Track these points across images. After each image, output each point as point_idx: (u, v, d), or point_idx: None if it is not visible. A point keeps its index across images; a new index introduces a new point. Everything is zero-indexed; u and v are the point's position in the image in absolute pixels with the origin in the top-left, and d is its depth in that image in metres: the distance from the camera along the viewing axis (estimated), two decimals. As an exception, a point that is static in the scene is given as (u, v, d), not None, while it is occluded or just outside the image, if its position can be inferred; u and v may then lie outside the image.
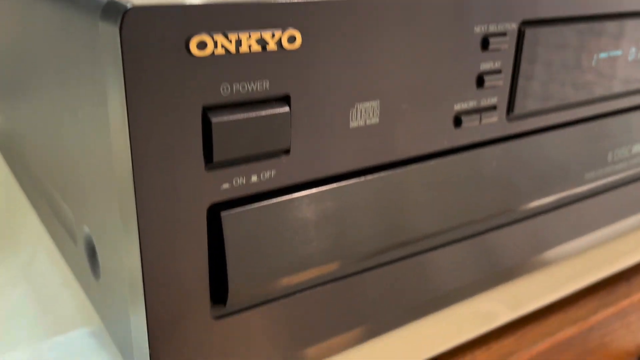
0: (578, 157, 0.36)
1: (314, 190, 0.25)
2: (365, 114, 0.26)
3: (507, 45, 0.29)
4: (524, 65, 0.31)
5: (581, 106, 0.35)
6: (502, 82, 0.30)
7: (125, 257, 0.23)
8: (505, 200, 0.33)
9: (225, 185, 0.23)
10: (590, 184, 0.37)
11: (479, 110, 0.30)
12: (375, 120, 0.26)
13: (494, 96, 0.30)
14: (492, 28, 0.29)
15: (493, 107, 0.30)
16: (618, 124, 0.38)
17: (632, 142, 0.39)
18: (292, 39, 0.22)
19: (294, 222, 0.25)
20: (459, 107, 0.29)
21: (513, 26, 0.29)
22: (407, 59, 0.26)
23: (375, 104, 0.26)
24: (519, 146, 0.33)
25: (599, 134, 0.37)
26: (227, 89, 0.21)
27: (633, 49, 0.38)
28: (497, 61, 0.30)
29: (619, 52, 0.37)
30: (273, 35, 0.22)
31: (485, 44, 0.29)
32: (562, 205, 0.37)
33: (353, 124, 0.25)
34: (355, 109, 0.25)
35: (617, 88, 0.37)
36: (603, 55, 0.36)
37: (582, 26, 0.33)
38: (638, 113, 0.39)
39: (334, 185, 0.26)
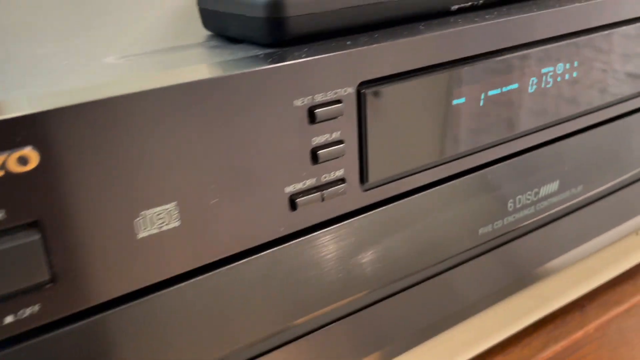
0: (465, 215, 0.32)
1: (92, 318, 0.22)
2: (158, 220, 0.22)
3: (344, 112, 0.26)
4: (372, 130, 0.27)
5: (463, 157, 0.31)
6: (346, 152, 0.26)
7: None
8: (379, 277, 0.30)
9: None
10: (488, 239, 0.34)
11: (321, 187, 0.26)
12: (175, 224, 0.23)
13: (339, 169, 0.27)
14: (320, 98, 0.25)
15: (340, 180, 0.27)
16: (518, 168, 0.34)
17: (538, 185, 0.35)
18: (24, 161, 0.19)
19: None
20: (292, 188, 0.25)
21: (349, 91, 0.26)
22: (206, 150, 0.23)
23: (170, 206, 0.22)
24: (383, 216, 0.29)
25: (491, 183, 0.33)
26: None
27: (534, 80, 0.34)
28: (335, 131, 0.26)
29: (513, 86, 0.33)
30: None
31: (312, 116, 0.25)
32: (457, 265, 0.33)
33: (142, 234, 0.22)
34: (141, 218, 0.22)
35: (518, 127, 0.34)
36: (494, 92, 0.32)
37: (441, 74, 0.29)
38: (545, 150, 0.35)
39: (128, 305, 0.23)
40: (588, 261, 0.48)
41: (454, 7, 0.32)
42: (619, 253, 0.49)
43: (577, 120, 0.36)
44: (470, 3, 0.33)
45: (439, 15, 0.31)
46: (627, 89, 0.38)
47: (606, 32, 0.35)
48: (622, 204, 0.43)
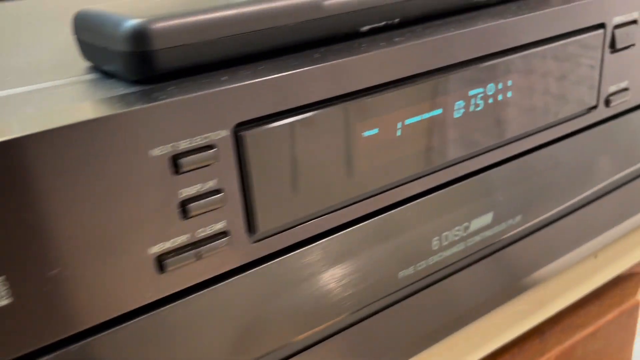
0: (381, 258, 0.29)
1: None
2: (-18, 298, 0.19)
3: (220, 158, 0.22)
4: (257, 175, 0.24)
5: (376, 195, 0.28)
6: (227, 201, 0.23)
7: None
8: (279, 338, 0.26)
9: None
10: (410, 282, 0.30)
11: (197, 244, 0.23)
12: (7, 300, 0.19)
13: (219, 221, 0.23)
14: (185, 145, 0.22)
15: (222, 234, 0.23)
16: (442, 201, 0.31)
17: (468, 218, 0.32)
18: None
19: None
20: (158, 248, 0.22)
21: (223, 134, 0.22)
22: (46, 210, 0.19)
23: (-3, 281, 0.19)
24: (280, 268, 0.26)
25: (410, 220, 0.30)
26: None
27: (460, 103, 0.31)
28: (209, 180, 0.23)
29: (435, 112, 0.30)
30: None
31: (177, 166, 0.21)
32: (382, 309, 0.30)
33: (-40, 317, 0.19)
34: (-43, 299, 0.18)
35: (444, 156, 0.30)
36: (410, 121, 0.29)
37: (342, 106, 0.26)
38: (475, 180, 0.32)
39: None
40: (546, 286, 0.44)
41: (365, 28, 0.29)
42: (578, 277, 0.46)
43: (511, 145, 0.33)
44: (384, 23, 0.29)
45: (346, 39, 0.28)
46: (562, 112, 0.35)
47: (538, 49, 0.32)
48: (576, 227, 0.40)
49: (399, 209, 0.29)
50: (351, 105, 0.26)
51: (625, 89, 0.38)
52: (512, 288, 0.37)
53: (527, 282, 0.39)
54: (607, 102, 0.37)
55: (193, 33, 0.23)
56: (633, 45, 0.37)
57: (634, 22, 0.36)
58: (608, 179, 0.40)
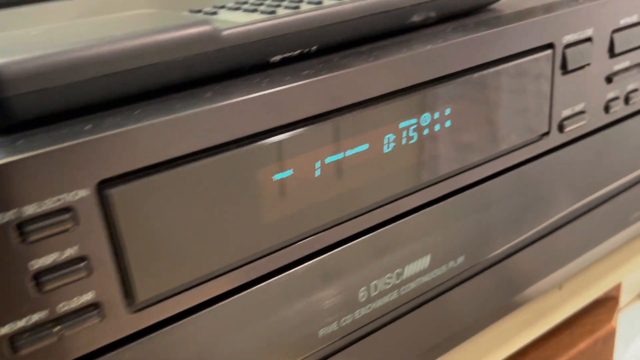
0: (295, 316, 0.26)
1: None
2: None
3: (80, 221, 0.19)
4: (131, 238, 0.20)
5: (288, 246, 0.25)
6: (95, 269, 0.20)
7: None
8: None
9: None
10: (333, 339, 0.27)
11: (59, 321, 0.20)
12: None
13: (87, 292, 0.20)
14: (32, 210, 0.18)
15: (92, 306, 0.20)
16: (370, 247, 0.28)
17: (401, 264, 0.29)
18: None
19: None
20: (8, 329, 0.19)
21: (83, 194, 0.19)
22: None
23: None
24: (169, 338, 0.23)
25: (330, 272, 0.27)
26: None
27: (390, 137, 0.28)
28: (68, 247, 0.19)
29: (361, 148, 0.27)
30: None
31: (23, 235, 0.18)
32: None
33: None
34: None
35: (373, 195, 0.27)
36: (330, 159, 0.26)
37: (243, 149, 0.23)
38: (408, 220, 0.29)
39: None
40: (508, 321, 0.41)
41: (276, 59, 0.26)
42: (542, 310, 0.43)
43: (452, 179, 0.30)
44: (298, 52, 0.26)
45: (253, 70, 0.25)
46: (509, 140, 0.32)
47: (478, 74, 0.29)
48: (535, 260, 0.37)
49: (318, 259, 0.26)
50: (252, 148, 0.23)
51: (582, 112, 0.35)
52: (459, 334, 0.34)
53: (479, 323, 0.36)
54: (561, 128, 0.34)
55: (53, 75, 0.20)
56: (588, 64, 0.34)
57: (588, 39, 0.33)
58: (566, 209, 0.37)
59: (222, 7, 0.28)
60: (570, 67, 0.33)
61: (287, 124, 0.24)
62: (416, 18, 0.30)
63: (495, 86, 0.30)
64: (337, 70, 0.24)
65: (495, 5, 0.34)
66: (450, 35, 0.28)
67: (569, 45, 0.32)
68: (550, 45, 0.32)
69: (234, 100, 0.22)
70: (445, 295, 0.32)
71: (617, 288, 0.51)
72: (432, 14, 0.31)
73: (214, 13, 0.27)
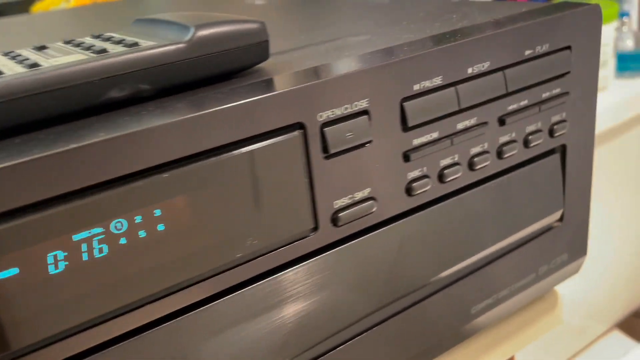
0: None
1: None
2: None
3: None
4: None
5: None
6: None
7: None
8: None
9: None
10: None
11: None
12: None
13: None
14: None
15: None
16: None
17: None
18: None
19: None
20: None
21: None
22: None
23: None
24: None
25: None
26: None
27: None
28: None
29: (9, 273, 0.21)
30: None
31: None
32: None
33: None
34: None
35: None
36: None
37: None
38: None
39: None
40: None
41: None
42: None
43: (184, 291, 0.24)
44: None
45: None
46: (263, 240, 0.26)
47: (200, 163, 0.23)
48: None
49: None
50: None
51: (369, 200, 0.28)
52: None
53: None
54: (335, 221, 0.27)
55: None
56: (369, 142, 0.27)
57: (363, 113, 0.27)
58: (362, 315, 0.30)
59: None
60: (333, 149, 0.26)
61: None
62: (116, 94, 0.24)
63: (231, 176, 0.24)
64: None
65: (264, 65, 0.28)
66: (155, 117, 0.22)
67: (329, 124, 0.26)
68: (299, 126, 0.25)
69: None
70: None
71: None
72: (145, 87, 0.25)
73: None
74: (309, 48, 0.31)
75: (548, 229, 0.37)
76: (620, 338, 1.13)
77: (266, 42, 0.27)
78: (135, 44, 0.25)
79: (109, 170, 0.21)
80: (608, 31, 0.90)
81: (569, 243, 0.38)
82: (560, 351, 1.06)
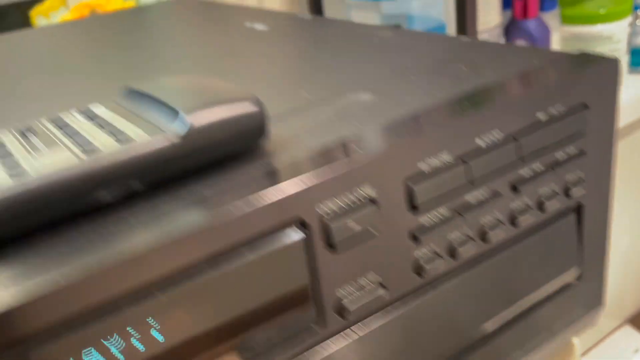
0: None
1: None
2: None
3: None
4: None
5: None
6: None
7: None
8: None
9: None
10: None
11: None
12: None
13: None
14: None
15: None
16: None
17: None
18: None
19: None
20: None
21: None
22: None
23: None
24: None
25: None
26: None
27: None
28: None
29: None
30: None
31: None
32: None
33: None
34: None
35: None
36: None
37: None
38: None
39: None
40: None
41: None
42: None
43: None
44: None
45: None
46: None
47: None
48: None
49: None
50: None
51: (378, 286, 0.27)
52: None
53: None
54: (342, 312, 0.26)
55: None
56: (377, 232, 0.26)
57: (368, 201, 0.25)
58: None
59: None
60: (341, 246, 0.25)
61: None
62: (104, 196, 0.23)
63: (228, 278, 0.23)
64: None
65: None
66: (139, 228, 0.21)
67: (333, 218, 0.25)
68: (300, 224, 0.24)
69: None
70: None
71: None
72: (136, 183, 0.24)
73: None
74: (310, 111, 0.30)
75: (565, 287, 0.35)
76: (631, 333, 1.12)
77: (263, 124, 0.26)
78: (127, 138, 0.24)
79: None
80: (621, 27, 0.88)
81: (586, 298, 0.37)
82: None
